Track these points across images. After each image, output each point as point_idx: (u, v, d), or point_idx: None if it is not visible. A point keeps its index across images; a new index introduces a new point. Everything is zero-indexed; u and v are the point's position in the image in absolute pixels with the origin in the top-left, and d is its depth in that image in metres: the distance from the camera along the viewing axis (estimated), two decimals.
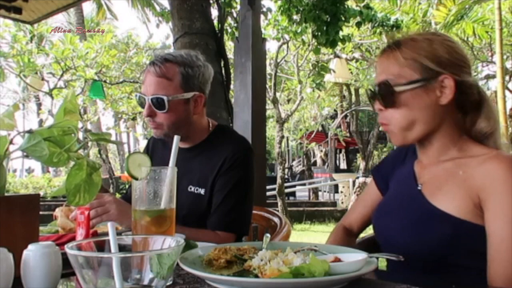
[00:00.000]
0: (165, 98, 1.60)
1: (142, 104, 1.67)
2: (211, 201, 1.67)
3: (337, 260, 0.93)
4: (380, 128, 16.27)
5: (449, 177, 1.16)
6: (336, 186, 13.85)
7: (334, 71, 10.60)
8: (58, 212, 1.42)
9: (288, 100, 15.83)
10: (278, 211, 3.07)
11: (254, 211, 1.87)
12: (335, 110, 17.34)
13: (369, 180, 1.50)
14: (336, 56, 10.74)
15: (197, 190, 1.68)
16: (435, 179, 1.19)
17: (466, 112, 1.22)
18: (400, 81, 1.16)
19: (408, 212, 1.20)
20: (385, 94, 1.17)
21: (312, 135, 15.95)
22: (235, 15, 4.98)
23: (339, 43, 5.66)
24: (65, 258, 0.68)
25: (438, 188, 1.17)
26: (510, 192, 1.06)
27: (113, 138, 1.08)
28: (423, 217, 1.15)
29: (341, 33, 5.60)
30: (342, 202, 12.30)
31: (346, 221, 1.48)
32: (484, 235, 1.08)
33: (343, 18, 5.42)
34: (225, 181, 1.65)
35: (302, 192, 15.88)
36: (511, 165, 1.08)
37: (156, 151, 1.88)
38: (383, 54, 1.22)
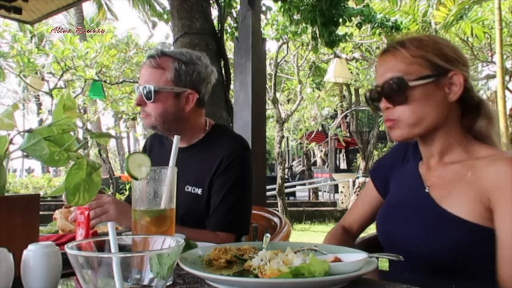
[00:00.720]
0: (152, 87, 1.63)
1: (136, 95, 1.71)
2: (209, 201, 1.67)
3: (337, 260, 0.93)
4: (380, 128, 16.30)
5: (458, 180, 1.15)
6: (336, 186, 13.85)
7: (326, 72, 10.63)
8: (57, 214, 1.42)
9: (288, 100, 15.83)
10: (278, 211, 3.07)
11: (254, 211, 1.87)
12: (335, 110, 17.33)
13: (369, 180, 1.49)
14: (336, 56, 10.74)
15: (194, 190, 1.68)
16: (443, 182, 1.19)
17: (467, 112, 1.22)
18: (410, 77, 1.15)
19: (418, 215, 1.19)
20: (395, 91, 1.16)
21: (312, 135, 15.95)
22: (235, 15, 4.98)
23: (339, 43, 5.66)
24: (65, 258, 0.68)
25: (447, 191, 1.16)
26: None
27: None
28: (435, 220, 1.14)
29: (339, 33, 5.61)
30: (342, 202, 12.30)
31: (346, 221, 1.48)
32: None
33: (340, 20, 5.42)
34: (223, 181, 1.65)
35: (302, 192, 15.88)
36: None
37: (153, 151, 1.88)
38: (387, 53, 1.21)
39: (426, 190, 1.20)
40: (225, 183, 1.65)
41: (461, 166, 1.17)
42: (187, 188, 1.69)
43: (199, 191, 1.67)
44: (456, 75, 1.15)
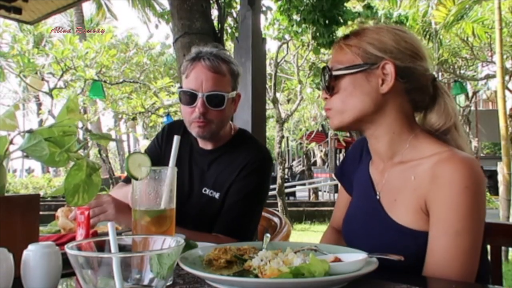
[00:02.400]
0: (225, 95, 1.60)
1: (188, 101, 1.60)
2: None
3: (337, 260, 0.93)
4: None
5: (403, 185, 1.13)
6: (336, 186, 13.84)
7: None
8: (59, 212, 1.42)
9: (288, 100, 15.83)
10: (278, 211, 3.07)
11: None
12: None
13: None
14: None
15: (211, 193, 1.66)
16: (391, 187, 1.16)
17: (421, 108, 1.19)
18: (336, 66, 1.15)
19: (371, 224, 1.18)
20: (324, 81, 1.17)
21: (312, 135, 15.95)
22: (235, 15, 4.98)
23: None
24: (65, 258, 0.68)
25: (393, 198, 1.14)
26: (453, 198, 1.02)
27: None
28: (386, 231, 1.12)
29: (339, 34, 5.62)
30: None
31: (333, 222, 1.48)
32: None
33: (341, 21, 5.42)
34: (240, 187, 1.63)
35: (302, 192, 15.87)
36: (459, 167, 1.03)
37: (169, 142, 1.80)
38: (334, 47, 1.21)
39: (377, 197, 1.19)
40: (242, 189, 1.63)
41: (407, 167, 1.13)
42: (205, 191, 1.67)
43: (216, 195, 1.65)
44: (388, 64, 1.11)
